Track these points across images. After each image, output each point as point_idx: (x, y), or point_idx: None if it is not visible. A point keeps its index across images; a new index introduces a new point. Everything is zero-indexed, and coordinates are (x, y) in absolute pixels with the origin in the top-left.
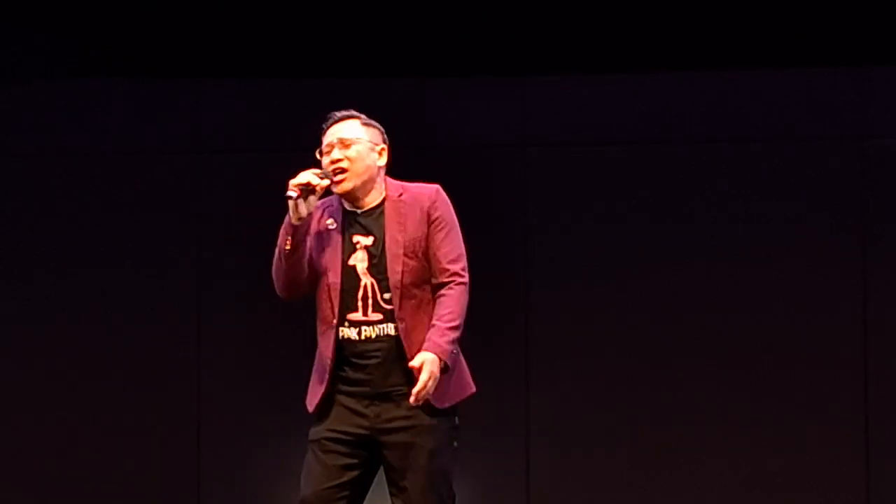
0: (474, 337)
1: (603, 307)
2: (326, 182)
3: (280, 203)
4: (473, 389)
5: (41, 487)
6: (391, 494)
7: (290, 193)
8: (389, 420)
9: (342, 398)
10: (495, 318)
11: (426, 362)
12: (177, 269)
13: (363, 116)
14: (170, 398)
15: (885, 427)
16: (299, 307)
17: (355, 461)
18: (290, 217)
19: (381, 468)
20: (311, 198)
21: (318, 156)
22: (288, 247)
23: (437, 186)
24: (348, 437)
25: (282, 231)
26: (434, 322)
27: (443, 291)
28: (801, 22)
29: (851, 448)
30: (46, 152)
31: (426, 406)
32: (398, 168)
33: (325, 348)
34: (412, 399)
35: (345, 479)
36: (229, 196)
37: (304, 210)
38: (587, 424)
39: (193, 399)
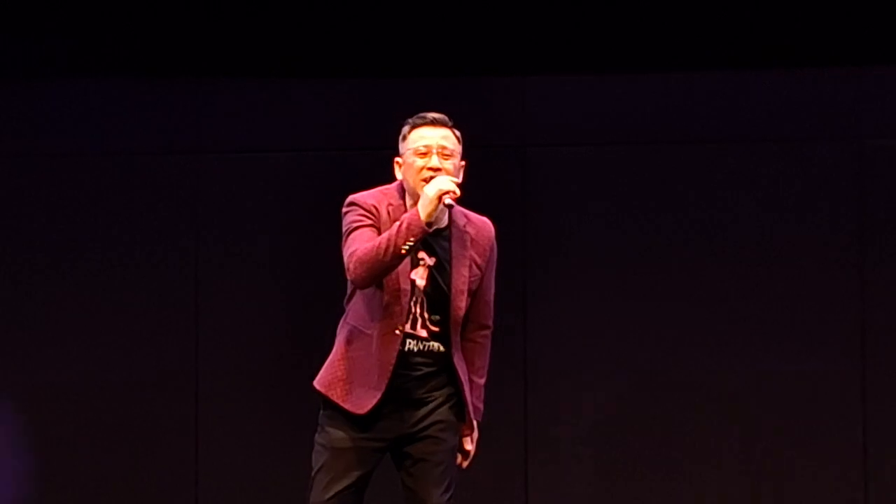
0: None
1: (602, 308)
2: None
3: (280, 203)
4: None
5: (39, 487)
6: (406, 485)
7: (449, 202)
8: (417, 423)
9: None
10: (493, 317)
11: (474, 438)
12: (176, 270)
13: (456, 130)
14: (168, 399)
15: (884, 427)
16: (297, 308)
17: (375, 465)
18: (424, 218)
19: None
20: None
21: (413, 155)
22: (408, 246)
23: (490, 223)
24: (376, 444)
25: (403, 228)
26: (472, 377)
27: (478, 339)
28: (800, 22)
29: (850, 448)
30: (46, 152)
31: (449, 407)
32: None
33: (386, 352)
34: (464, 466)
35: (363, 482)
36: (229, 196)
37: (441, 215)
38: (586, 425)
39: (192, 400)
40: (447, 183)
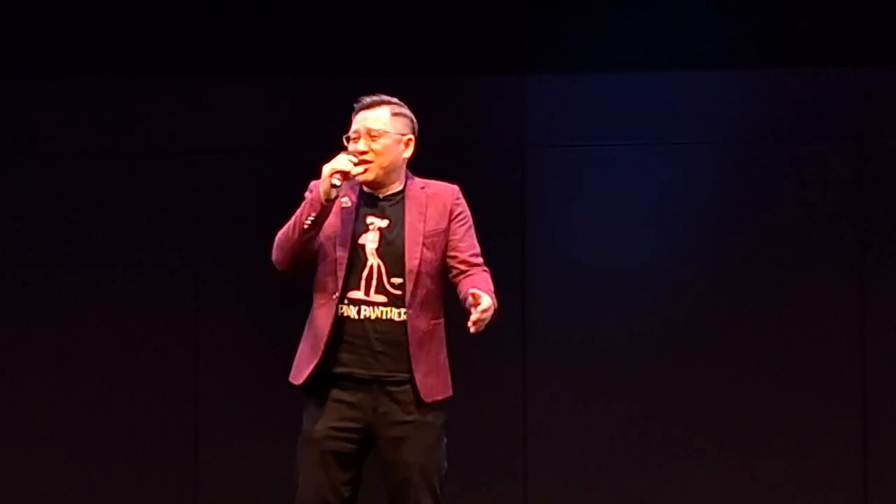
0: (471, 337)
1: (601, 308)
2: (360, 169)
3: (279, 203)
4: (451, 393)
5: (37, 487)
6: (386, 488)
7: (335, 182)
8: (384, 414)
9: (334, 391)
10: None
11: (486, 297)
12: (176, 269)
13: (395, 103)
14: (168, 398)
15: (883, 427)
16: (300, 304)
17: (353, 457)
18: (321, 195)
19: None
20: (342, 182)
21: (344, 141)
22: (308, 222)
23: (457, 187)
24: (347, 434)
25: (305, 205)
26: (473, 290)
27: (471, 272)
28: (800, 22)
29: (849, 448)
30: (46, 152)
31: (419, 402)
32: None
33: (322, 321)
34: (472, 323)
35: (346, 476)
36: (229, 196)
37: (334, 193)
38: (585, 425)
39: (192, 400)
40: (340, 162)
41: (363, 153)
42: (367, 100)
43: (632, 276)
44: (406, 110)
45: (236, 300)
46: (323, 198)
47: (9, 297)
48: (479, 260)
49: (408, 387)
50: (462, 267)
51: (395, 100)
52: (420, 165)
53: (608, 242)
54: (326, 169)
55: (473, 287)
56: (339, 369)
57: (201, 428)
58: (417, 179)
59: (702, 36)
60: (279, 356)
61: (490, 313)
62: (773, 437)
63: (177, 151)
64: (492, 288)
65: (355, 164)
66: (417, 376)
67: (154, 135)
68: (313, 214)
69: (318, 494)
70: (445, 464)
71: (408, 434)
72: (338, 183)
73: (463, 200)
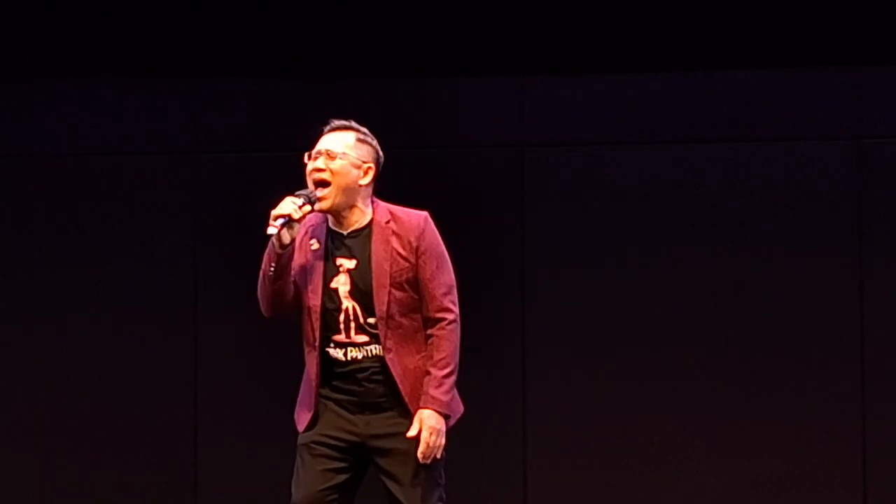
0: (471, 337)
1: (600, 307)
2: (308, 209)
3: (279, 203)
4: (462, 409)
5: (36, 487)
6: (387, 498)
7: (270, 230)
8: (378, 427)
9: (330, 404)
10: (492, 318)
11: (422, 422)
12: (175, 270)
13: (362, 131)
14: (167, 398)
15: (883, 427)
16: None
17: (345, 465)
18: (274, 245)
19: (370, 473)
20: (295, 225)
21: (305, 158)
22: (272, 272)
23: (425, 214)
24: (338, 443)
25: (265, 256)
26: (429, 369)
27: (435, 332)
28: (800, 22)
29: (849, 448)
30: (46, 152)
31: (409, 415)
32: (398, 168)
33: (310, 369)
34: (420, 458)
35: (335, 482)
36: (229, 196)
37: (286, 238)
38: (584, 424)
39: (191, 399)
40: (284, 206)
41: (320, 171)
42: (336, 123)
43: (631, 276)
44: (373, 141)
45: (236, 301)
46: (276, 247)
47: (9, 296)
48: (445, 302)
49: (399, 402)
50: (428, 315)
51: (364, 129)
52: (421, 165)
53: (608, 242)
54: (273, 214)
55: (428, 371)
56: (334, 396)
57: (201, 428)
58: (383, 207)
59: (701, 36)
60: (279, 356)
61: (434, 441)
62: (773, 436)
63: (176, 151)
64: (450, 350)
65: (309, 202)
66: (413, 407)
67: (153, 135)
68: (273, 264)
69: (310, 499)
70: (442, 470)
71: (401, 446)
72: (274, 231)
73: (429, 229)
